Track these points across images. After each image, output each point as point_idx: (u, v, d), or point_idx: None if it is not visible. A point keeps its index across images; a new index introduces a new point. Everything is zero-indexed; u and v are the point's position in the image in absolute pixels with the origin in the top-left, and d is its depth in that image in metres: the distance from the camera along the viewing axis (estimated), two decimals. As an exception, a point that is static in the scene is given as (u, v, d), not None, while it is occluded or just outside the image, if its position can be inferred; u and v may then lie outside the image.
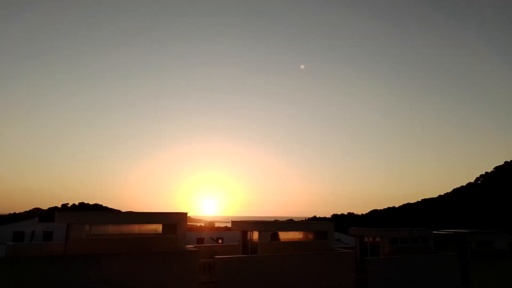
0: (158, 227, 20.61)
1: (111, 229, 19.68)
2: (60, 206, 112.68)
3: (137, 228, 20.25)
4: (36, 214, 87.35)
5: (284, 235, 24.26)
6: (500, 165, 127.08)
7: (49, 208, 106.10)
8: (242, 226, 24.90)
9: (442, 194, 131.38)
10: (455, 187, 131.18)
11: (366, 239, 28.45)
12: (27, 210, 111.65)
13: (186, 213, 21.06)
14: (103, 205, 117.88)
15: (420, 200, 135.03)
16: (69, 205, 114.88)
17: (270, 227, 23.99)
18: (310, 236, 25.14)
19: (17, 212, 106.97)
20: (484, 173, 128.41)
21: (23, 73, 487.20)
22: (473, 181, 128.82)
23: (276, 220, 38.04)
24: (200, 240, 43.43)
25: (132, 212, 21.78)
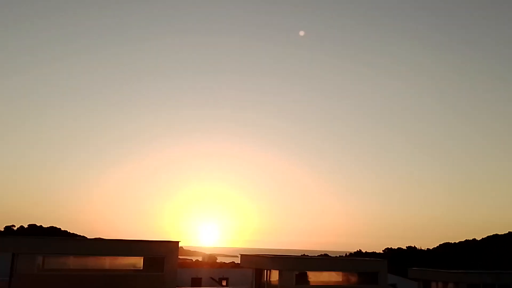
0: (138, 261, 16.80)
1: (72, 262, 15.97)
2: (2, 229, 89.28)
3: (108, 262, 16.43)
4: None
5: (315, 277, 19.60)
6: None
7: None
8: (256, 263, 20.45)
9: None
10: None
11: (433, 285, 22.94)
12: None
13: (178, 242, 17.46)
14: (61, 229, 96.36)
15: (511, 230, 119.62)
16: (15, 228, 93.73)
17: (296, 265, 19.34)
18: (354, 278, 20.41)
19: None
20: None
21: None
22: None
23: (304, 255, 33.21)
24: (196, 281, 37.23)
25: (102, 239, 18.53)
